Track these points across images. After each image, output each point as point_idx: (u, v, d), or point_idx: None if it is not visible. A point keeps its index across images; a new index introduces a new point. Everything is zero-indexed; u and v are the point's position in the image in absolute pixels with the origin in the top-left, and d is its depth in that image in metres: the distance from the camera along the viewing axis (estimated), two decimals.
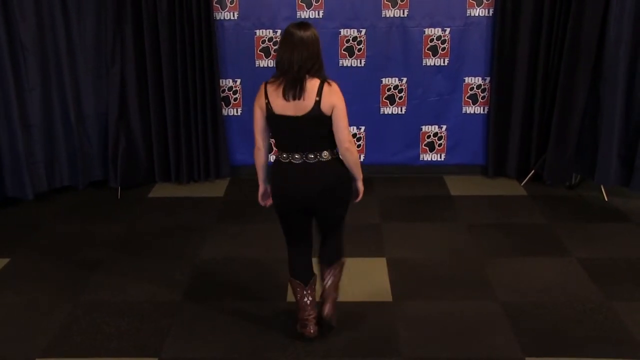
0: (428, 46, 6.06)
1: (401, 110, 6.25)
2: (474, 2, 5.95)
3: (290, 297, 4.17)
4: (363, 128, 6.29)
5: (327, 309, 3.76)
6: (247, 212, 5.58)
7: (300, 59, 3.28)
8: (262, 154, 3.59)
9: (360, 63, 6.10)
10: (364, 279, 4.47)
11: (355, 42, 6.05)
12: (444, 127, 6.31)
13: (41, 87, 5.63)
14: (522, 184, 6.12)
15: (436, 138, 6.33)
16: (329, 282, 3.79)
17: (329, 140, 3.44)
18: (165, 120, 5.99)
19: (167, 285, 4.39)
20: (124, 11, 5.70)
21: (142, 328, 3.90)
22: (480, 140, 6.32)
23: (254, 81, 6.11)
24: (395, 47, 6.08)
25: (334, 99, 3.33)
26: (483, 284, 4.38)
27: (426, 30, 6.03)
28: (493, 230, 5.21)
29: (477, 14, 5.98)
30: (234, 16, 5.96)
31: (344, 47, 6.06)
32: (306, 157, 3.43)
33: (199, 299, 4.21)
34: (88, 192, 6.02)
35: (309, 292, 3.77)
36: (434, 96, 6.22)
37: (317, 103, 3.31)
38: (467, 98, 6.22)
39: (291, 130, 3.40)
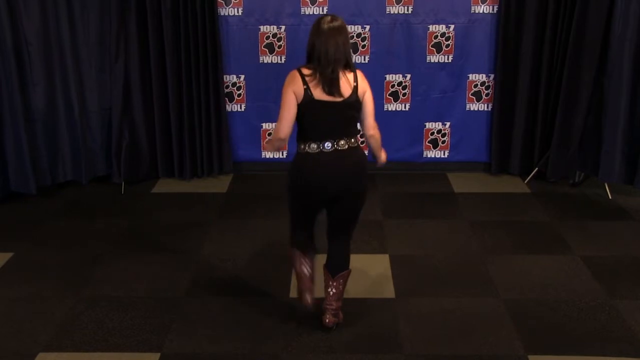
0: (432, 43, 6.05)
1: (405, 107, 6.24)
2: None
3: (293, 293, 4.19)
4: None
5: (327, 319, 3.79)
6: (250, 208, 5.59)
7: (335, 50, 3.41)
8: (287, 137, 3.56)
9: (364, 59, 6.09)
10: (367, 275, 4.47)
11: (359, 39, 6.04)
12: (448, 124, 6.30)
13: (45, 82, 5.63)
14: (525, 182, 6.11)
15: (440, 135, 6.32)
16: (332, 293, 3.80)
17: (355, 128, 3.58)
18: (168, 116, 5.99)
19: (169, 281, 4.40)
20: (128, 6, 5.69)
21: (144, 323, 3.91)
22: (483, 137, 6.31)
23: (257, 77, 6.14)
24: (399, 44, 6.06)
25: (366, 85, 3.55)
26: (486, 281, 4.38)
27: (430, 26, 6.02)
28: (496, 227, 5.20)
29: (481, 11, 5.96)
30: (238, 12, 5.95)
31: None
32: (337, 144, 3.51)
33: (201, 295, 4.22)
34: (91, 187, 6.02)
35: (308, 262, 3.84)
36: (437, 93, 6.20)
37: (355, 89, 3.48)
38: (471, 95, 6.21)
39: (329, 116, 3.48)
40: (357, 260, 4.62)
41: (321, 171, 3.54)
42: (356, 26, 6.00)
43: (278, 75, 6.07)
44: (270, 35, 6.03)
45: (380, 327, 3.88)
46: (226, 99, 6.14)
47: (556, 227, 5.19)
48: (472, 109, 6.25)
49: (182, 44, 5.82)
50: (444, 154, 6.39)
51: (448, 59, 6.10)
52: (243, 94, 6.21)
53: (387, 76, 6.15)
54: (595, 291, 4.24)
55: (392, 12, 5.97)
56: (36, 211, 5.55)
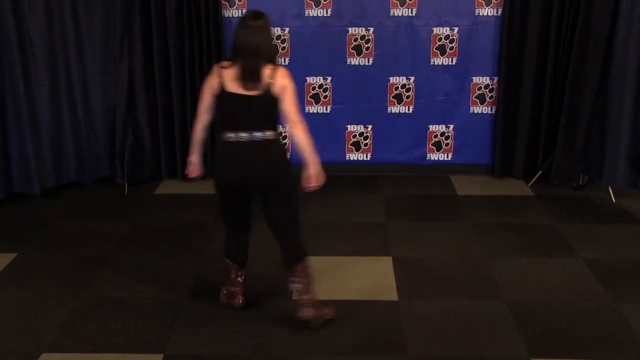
0: (436, 45, 6.05)
1: (409, 110, 6.24)
2: (483, 2, 5.93)
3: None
4: (370, 127, 6.28)
5: (302, 312, 3.84)
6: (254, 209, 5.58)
7: (255, 46, 3.52)
8: (202, 127, 3.78)
9: (368, 62, 6.10)
10: (370, 277, 4.47)
11: (363, 41, 6.04)
12: (451, 126, 6.29)
13: (49, 83, 5.65)
14: (529, 185, 6.10)
15: (443, 137, 6.32)
16: (295, 289, 3.84)
17: (273, 122, 3.64)
18: (172, 117, 6.00)
19: (172, 282, 4.40)
20: (132, 8, 5.71)
21: (147, 324, 3.91)
22: (487, 140, 6.30)
23: None
24: (403, 46, 6.07)
25: (286, 81, 3.58)
26: (489, 283, 4.37)
27: (434, 29, 6.02)
28: (499, 230, 5.20)
29: (485, 14, 5.96)
30: (242, 13, 5.95)
31: (352, 45, 6.05)
32: (252, 135, 3.59)
33: (204, 296, 4.21)
34: (95, 188, 6.03)
35: (241, 273, 4.01)
36: (441, 95, 6.20)
37: (271, 85, 3.54)
38: (475, 98, 6.21)
39: (241, 108, 3.59)
40: (360, 262, 4.65)
41: (236, 160, 3.64)
42: (360, 28, 6.01)
43: None
44: (274, 37, 6.03)
45: (383, 329, 3.87)
46: None
47: (559, 229, 5.18)
48: (475, 111, 6.25)
49: (186, 46, 5.83)
50: (447, 157, 6.38)
51: (452, 62, 6.10)
52: None
53: (390, 78, 6.16)
54: (598, 294, 4.23)
55: (396, 14, 5.98)
56: (40, 212, 5.56)
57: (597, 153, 5.75)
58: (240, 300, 4.03)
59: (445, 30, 6.02)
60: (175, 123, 6.00)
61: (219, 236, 5.01)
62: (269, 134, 3.61)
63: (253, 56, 3.52)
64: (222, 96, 3.60)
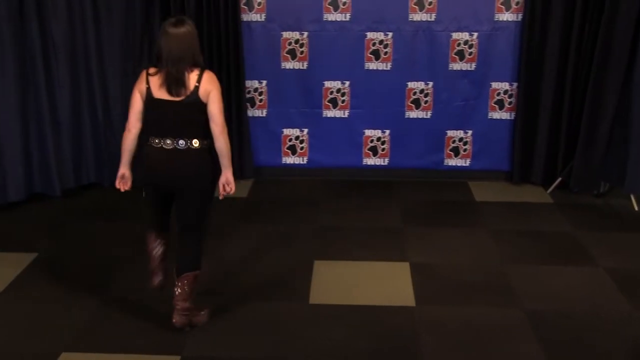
0: (455, 50, 6.03)
1: (427, 115, 6.21)
2: (503, 7, 5.90)
3: (313, 299, 4.19)
4: (388, 131, 6.26)
5: (175, 318, 3.82)
6: (271, 213, 5.59)
7: (178, 53, 3.54)
8: (133, 137, 3.74)
9: (386, 66, 6.08)
10: (387, 283, 4.45)
11: (382, 46, 6.03)
12: (470, 132, 6.26)
13: (70, 85, 5.69)
14: (548, 191, 6.05)
15: (461, 143, 6.29)
16: (177, 293, 3.81)
17: (201, 129, 3.65)
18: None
19: None
20: (152, 11, 5.73)
21: (165, 326, 3.90)
22: (506, 146, 6.26)
23: (279, 83, 6.15)
24: (421, 51, 6.05)
25: (211, 86, 3.60)
26: (507, 291, 4.34)
27: (453, 34, 5.99)
28: (518, 237, 5.16)
29: (505, 19, 5.93)
30: (261, 17, 5.97)
31: (370, 50, 6.04)
32: (177, 143, 3.63)
33: (221, 298, 4.21)
34: (113, 189, 6.02)
35: (158, 242, 3.94)
36: (459, 101, 6.18)
37: (196, 89, 3.57)
38: (494, 103, 6.17)
39: (167, 114, 3.61)
40: (376, 268, 4.64)
41: (158, 165, 3.68)
42: (379, 33, 5.99)
43: (300, 81, 6.09)
44: (293, 41, 6.03)
45: (400, 335, 3.85)
46: (247, 104, 6.16)
47: (579, 238, 5.13)
48: (494, 117, 6.21)
49: (205, 49, 5.83)
50: (465, 162, 6.35)
51: (471, 67, 6.07)
52: (264, 100, 6.22)
53: (408, 83, 6.13)
54: (620, 304, 4.18)
55: (415, 19, 5.96)
56: (60, 213, 5.59)
57: (618, 160, 5.68)
58: (155, 281, 3.96)
59: (465, 36, 5.99)
60: None
61: (234, 239, 5.06)
62: (194, 142, 3.64)
63: (176, 63, 3.55)
64: (149, 102, 3.63)
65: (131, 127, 3.71)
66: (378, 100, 6.17)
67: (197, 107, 3.60)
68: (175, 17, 3.70)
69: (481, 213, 5.64)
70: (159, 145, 3.65)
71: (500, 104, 6.17)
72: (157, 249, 3.96)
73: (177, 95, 3.57)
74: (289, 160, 6.37)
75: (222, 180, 3.79)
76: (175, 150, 3.63)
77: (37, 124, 5.59)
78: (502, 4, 5.90)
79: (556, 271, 4.61)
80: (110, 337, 3.82)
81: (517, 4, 5.87)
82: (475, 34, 5.98)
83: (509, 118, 6.19)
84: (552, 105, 5.95)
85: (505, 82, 6.11)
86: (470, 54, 6.03)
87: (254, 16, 5.97)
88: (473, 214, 5.62)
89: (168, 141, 3.62)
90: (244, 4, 5.93)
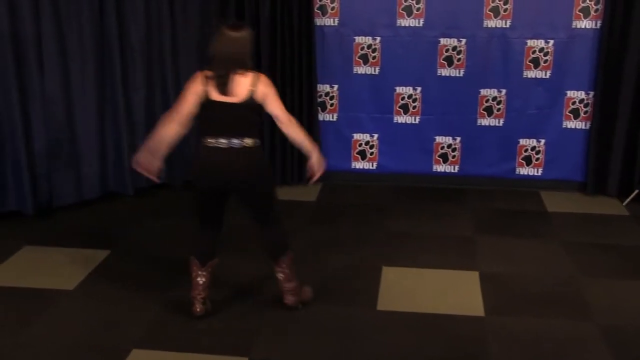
0: (530, 58, 5.93)
1: (499, 122, 6.13)
2: (581, 14, 5.77)
3: (381, 306, 4.17)
4: (459, 139, 6.20)
5: (287, 299, 4.06)
6: (339, 218, 5.59)
7: (232, 55, 3.66)
8: (176, 131, 3.78)
9: (459, 73, 6.03)
10: (456, 291, 4.40)
11: (455, 52, 5.98)
12: (543, 141, 6.14)
13: (145, 86, 5.84)
14: (624, 204, 5.88)
15: (534, 152, 6.17)
16: (281, 278, 4.03)
17: (254, 129, 3.78)
18: (262, 124, 6.06)
19: (256, 286, 4.44)
20: (227, 15, 5.81)
21: (232, 327, 3.95)
22: (580, 156, 6.12)
23: (350, 87, 6.17)
24: (495, 58, 5.97)
25: (267, 88, 3.73)
26: (580, 304, 4.23)
27: (528, 41, 5.90)
28: (592, 249, 5.02)
29: (583, 26, 5.80)
30: (334, 22, 6.00)
31: (443, 56, 6.00)
32: (231, 142, 3.70)
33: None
34: (184, 190, 6.16)
35: (204, 273, 3.99)
36: (533, 109, 6.07)
37: (252, 91, 3.68)
38: (569, 112, 6.04)
39: (223, 115, 3.70)
40: (445, 276, 4.59)
41: (213, 164, 3.75)
42: (452, 39, 5.95)
43: (371, 86, 6.09)
44: (365, 46, 6.04)
45: (469, 345, 3.79)
46: (319, 108, 6.19)
47: None
48: (568, 126, 6.08)
49: (279, 53, 5.90)
50: (537, 172, 6.23)
51: (546, 75, 5.96)
52: (335, 104, 6.24)
53: (481, 90, 6.06)
54: None
55: (489, 25, 5.89)
56: (132, 212, 5.73)
57: None
58: (197, 308, 3.99)
59: (540, 43, 5.88)
60: (265, 128, 6.06)
61: (302, 242, 5.07)
62: (247, 141, 3.72)
63: (230, 65, 3.65)
64: (206, 104, 3.70)
65: (177, 121, 3.75)
66: (449, 107, 6.12)
67: (253, 108, 3.72)
68: (233, 22, 3.82)
69: (553, 224, 5.52)
70: (213, 145, 3.73)
71: (576, 113, 6.03)
72: (200, 278, 4.00)
73: (232, 97, 3.67)
74: (359, 165, 6.37)
75: (312, 162, 3.92)
76: (231, 148, 3.71)
77: (114, 123, 5.76)
78: (580, 10, 5.77)
79: (633, 286, 4.47)
80: (178, 335, 3.87)
81: (596, 11, 5.73)
82: (551, 42, 5.87)
83: (583, 127, 6.05)
84: (630, 115, 5.78)
85: (581, 90, 5.97)
86: (545, 61, 5.91)
87: (327, 20, 6.01)
88: (545, 225, 5.50)
89: (223, 140, 3.71)
90: (318, 9, 5.97)
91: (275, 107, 3.77)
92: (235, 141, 3.71)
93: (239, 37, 3.71)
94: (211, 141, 3.73)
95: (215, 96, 3.68)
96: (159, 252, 4.95)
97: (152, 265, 4.74)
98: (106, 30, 5.55)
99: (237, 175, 3.76)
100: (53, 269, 4.68)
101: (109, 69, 5.62)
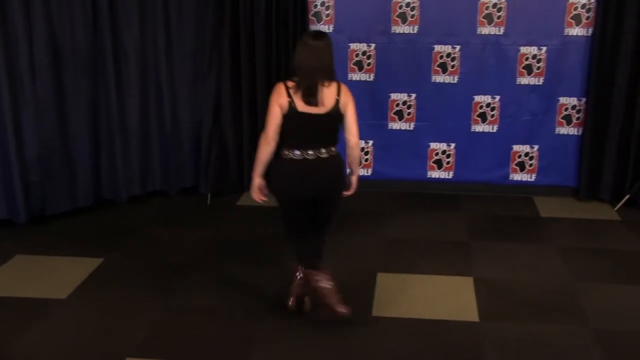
0: (523, 65, 5.96)
1: (493, 129, 6.15)
2: (573, 22, 5.82)
3: (376, 312, 4.18)
4: (453, 145, 6.22)
5: (340, 307, 3.93)
6: (345, 225, 5.53)
7: (318, 64, 3.63)
8: (271, 150, 3.78)
9: (454, 79, 6.05)
10: (451, 297, 4.41)
11: (449, 59, 6.00)
12: (536, 147, 6.18)
13: (140, 93, 5.82)
14: (615, 209, 5.92)
15: (527, 158, 6.20)
16: (329, 286, 3.95)
17: (336, 137, 3.82)
18: (257, 131, 6.06)
19: (254, 293, 4.44)
20: (223, 22, 5.82)
21: (229, 334, 3.95)
22: (572, 162, 6.15)
23: None
24: (489, 65, 6.00)
25: (349, 98, 3.75)
26: (574, 309, 4.25)
27: (522, 48, 5.93)
28: (585, 254, 5.05)
29: (575, 34, 5.84)
30: (329, 29, 6.00)
31: (438, 63, 6.02)
32: (319, 152, 3.73)
33: (286, 308, 4.20)
34: (179, 197, 6.16)
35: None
36: (526, 115, 6.10)
37: (337, 102, 3.70)
38: (561, 118, 6.08)
39: (311, 127, 3.71)
40: (440, 282, 4.60)
41: (303, 175, 3.76)
42: (446, 46, 5.97)
43: (366, 93, 6.10)
44: (360, 53, 6.06)
45: (464, 350, 3.81)
46: None
47: None
48: (562, 132, 6.12)
49: (274, 59, 5.91)
50: (530, 177, 6.26)
51: (539, 82, 5.99)
52: None
53: (475, 97, 6.09)
54: None
55: (483, 32, 5.92)
56: (126, 219, 5.71)
57: None
58: (290, 301, 4.08)
59: (533, 50, 5.92)
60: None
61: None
62: (333, 149, 3.79)
63: (316, 75, 3.64)
64: (292, 116, 3.68)
65: (271, 140, 3.74)
66: (444, 113, 6.14)
67: (338, 118, 3.74)
68: (314, 30, 3.79)
69: (547, 229, 5.54)
70: (301, 157, 3.73)
71: (568, 119, 6.07)
72: (300, 274, 4.05)
73: (319, 107, 3.66)
74: (362, 171, 6.34)
75: (352, 180, 3.97)
76: (319, 159, 3.73)
77: (107, 130, 5.73)
78: (572, 18, 5.81)
79: (627, 291, 4.50)
80: (174, 343, 3.86)
81: (587, 18, 5.78)
82: (544, 48, 5.91)
83: (576, 134, 6.09)
84: (622, 121, 5.82)
85: (573, 97, 6.01)
86: (538, 68, 5.95)
87: (322, 27, 6.02)
88: (539, 230, 5.53)
89: (310, 152, 3.72)
90: (313, 15, 5.99)
91: (353, 119, 3.78)
92: (323, 150, 3.74)
93: (323, 46, 3.68)
94: (298, 153, 3.73)
95: (302, 107, 3.66)
96: (153, 260, 4.94)
97: (146, 274, 4.73)
98: (99, 35, 5.52)
99: (329, 184, 3.83)
100: (46, 277, 4.66)
101: (102, 74, 5.59)
